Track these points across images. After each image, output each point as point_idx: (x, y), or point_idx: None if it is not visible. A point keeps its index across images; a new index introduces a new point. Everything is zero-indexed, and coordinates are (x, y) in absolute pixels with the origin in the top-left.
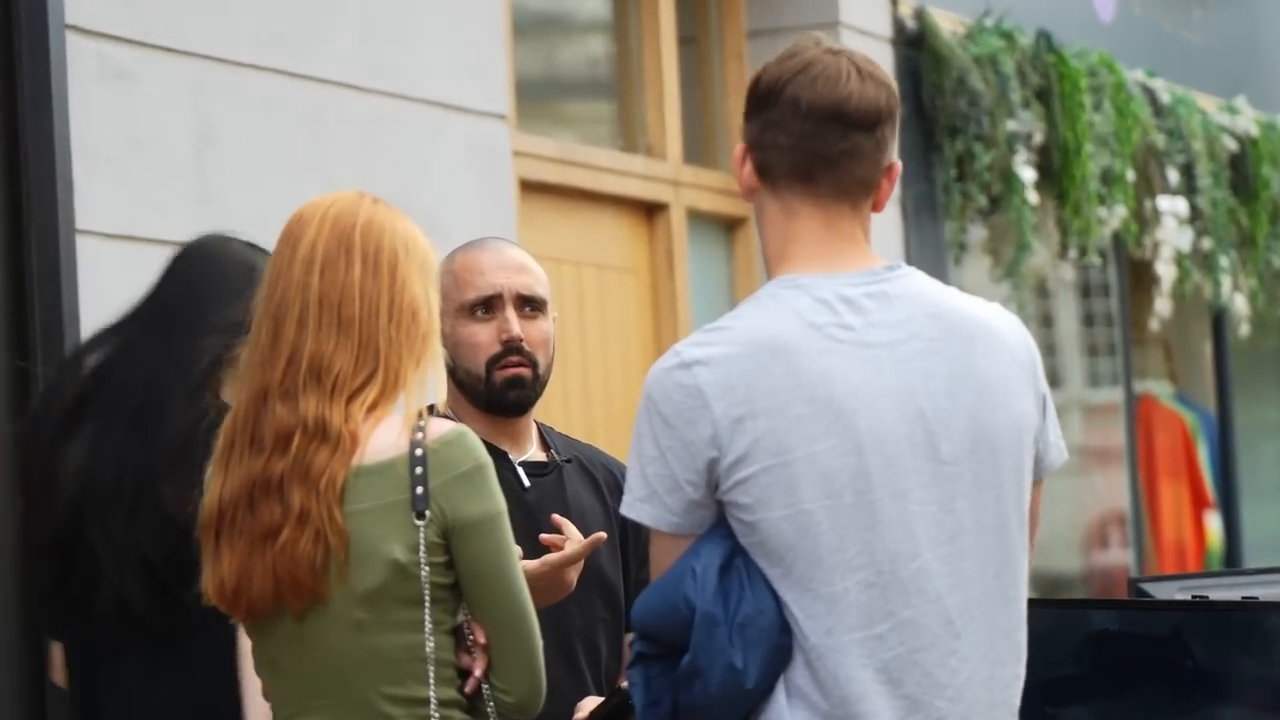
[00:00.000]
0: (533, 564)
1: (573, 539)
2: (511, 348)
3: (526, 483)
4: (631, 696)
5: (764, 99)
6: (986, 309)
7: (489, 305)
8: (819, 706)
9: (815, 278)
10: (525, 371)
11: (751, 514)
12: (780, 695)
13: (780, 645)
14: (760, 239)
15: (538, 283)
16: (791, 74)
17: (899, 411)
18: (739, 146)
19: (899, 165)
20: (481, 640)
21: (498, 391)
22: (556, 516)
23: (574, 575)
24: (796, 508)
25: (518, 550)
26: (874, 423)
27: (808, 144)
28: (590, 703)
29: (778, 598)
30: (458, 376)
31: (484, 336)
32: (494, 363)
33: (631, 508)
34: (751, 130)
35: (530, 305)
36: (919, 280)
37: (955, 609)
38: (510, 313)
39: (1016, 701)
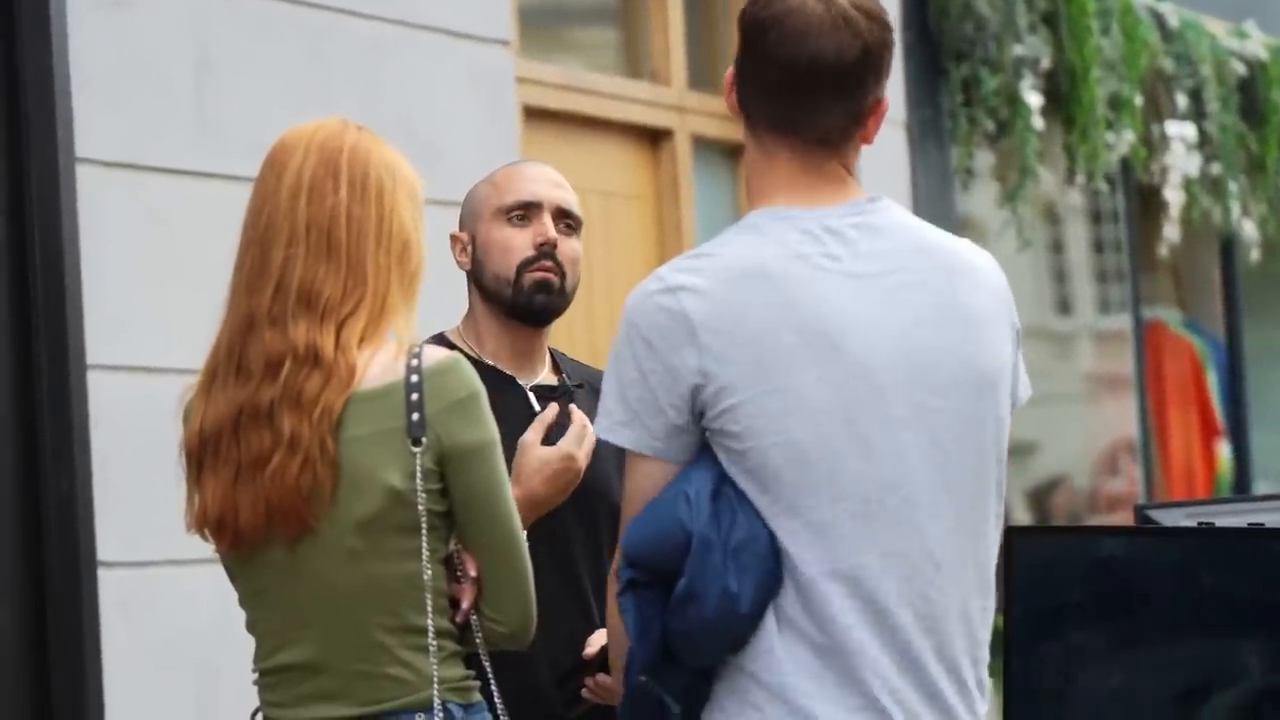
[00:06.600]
0: (551, 451)
1: (575, 422)
2: (545, 252)
3: (537, 407)
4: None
5: (746, 43)
6: (964, 245)
7: (527, 212)
8: (810, 636)
9: (800, 210)
10: (554, 278)
11: (739, 442)
12: (771, 623)
13: (773, 571)
14: (745, 167)
15: (575, 204)
16: (770, 24)
17: (887, 342)
18: (730, 70)
19: (887, 101)
20: (471, 571)
21: (525, 295)
22: (553, 408)
23: (584, 459)
24: (785, 436)
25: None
26: (864, 352)
27: (781, 98)
28: (600, 638)
29: (767, 526)
30: (484, 282)
31: (519, 240)
32: (525, 266)
33: (611, 431)
34: (738, 63)
35: (567, 221)
36: (900, 213)
37: (935, 540)
38: (548, 219)
39: (986, 635)
